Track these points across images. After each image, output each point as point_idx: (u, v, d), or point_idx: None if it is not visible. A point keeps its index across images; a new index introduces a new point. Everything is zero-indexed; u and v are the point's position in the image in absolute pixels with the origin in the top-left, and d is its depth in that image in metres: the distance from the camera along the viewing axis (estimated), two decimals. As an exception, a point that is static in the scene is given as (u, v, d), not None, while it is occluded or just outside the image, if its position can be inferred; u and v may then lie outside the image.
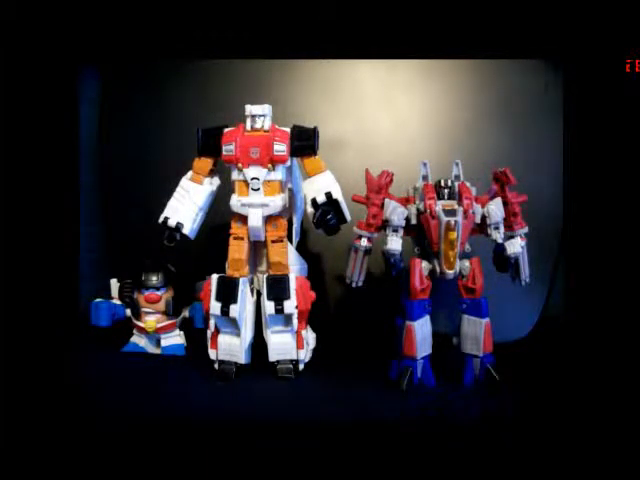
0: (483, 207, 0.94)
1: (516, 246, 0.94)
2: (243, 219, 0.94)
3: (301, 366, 0.97)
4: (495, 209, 0.93)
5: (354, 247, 0.95)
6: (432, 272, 0.94)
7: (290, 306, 0.92)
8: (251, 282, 0.98)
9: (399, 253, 0.92)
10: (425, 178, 0.98)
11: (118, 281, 1.10)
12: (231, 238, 0.95)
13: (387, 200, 0.94)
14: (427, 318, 0.95)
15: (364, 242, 0.94)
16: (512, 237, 0.95)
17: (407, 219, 0.93)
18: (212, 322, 0.94)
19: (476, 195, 0.95)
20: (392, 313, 0.97)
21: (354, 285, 0.96)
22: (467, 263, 0.94)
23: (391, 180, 0.96)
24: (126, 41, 1.21)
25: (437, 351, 0.96)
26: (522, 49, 1.14)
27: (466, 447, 0.74)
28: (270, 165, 0.92)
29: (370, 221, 0.93)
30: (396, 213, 0.92)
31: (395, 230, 0.92)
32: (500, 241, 0.94)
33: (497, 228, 0.94)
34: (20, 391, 0.86)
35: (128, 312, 1.09)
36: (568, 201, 1.22)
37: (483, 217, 0.94)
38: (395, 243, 0.92)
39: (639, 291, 0.97)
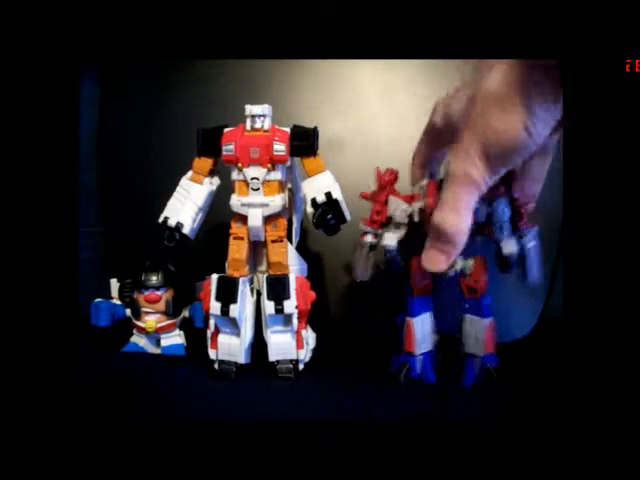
0: (490, 206, 0.93)
1: (512, 246, 0.93)
2: (243, 219, 0.94)
3: (301, 366, 0.98)
4: (501, 208, 0.93)
5: (360, 243, 0.95)
6: None
7: (290, 306, 0.93)
8: (251, 282, 0.98)
9: (395, 249, 0.92)
10: (432, 175, 0.97)
11: (118, 281, 1.10)
12: (231, 238, 0.95)
13: (391, 197, 0.94)
14: (428, 315, 0.95)
15: (369, 238, 0.94)
16: (521, 237, 0.95)
17: (410, 216, 0.93)
18: (212, 322, 0.94)
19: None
20: (392, 313, 0.98)
21: (358, 280, 0.96)
22: (471, 262, 0.94)
23: (396, 177, 0.96)
24: (126, 41, 1.21)
25: (440, 350, 0.96)
26: (522, 49, 1.14)
27: (466, 447, 0.74)
28: (270, 165, 0.92)
29: (374, 217, 0.94)
30: (399, 210, 0.92)
31: (398, 227, 0.93)
32: (501, 241, 0.94)
33: (501, 227, 0.94)
34: (20, 391, 0.86)
35: (128, 312, 1.09)
36: (568, 201, 1.22)
37: (489, 216, 0.94)
38: (390, 239, 0.92)
39: (639, 292, 0.97)
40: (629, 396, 0.82)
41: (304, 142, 0.93)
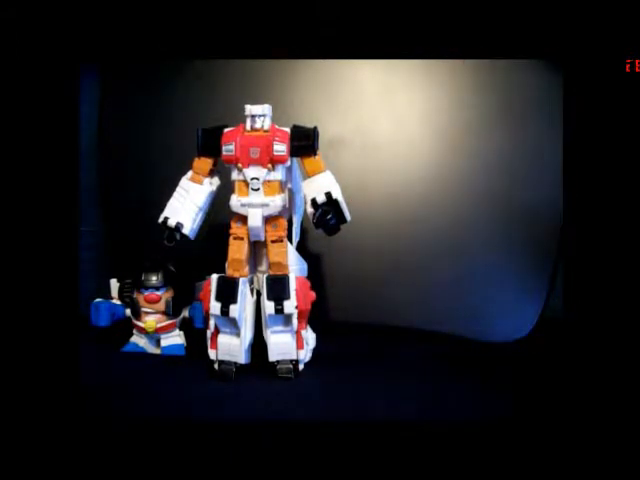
0: None
1: None
2: (243, 219, 0.94)
3: (301, 366, 0.97)
4: None
5: None
6: None
7: (290, 306, 0.92)
8: (251, 282, 0.98)
9: None
10: None
11: (118, 281, 1.10)
12: (231, 238, 0.95)
13: None
14: None
15: None
16: None
17: None
18: (212, 322, 0.94)
19: None
20: (391, 312, 0.98)
21: None
22: None
23: None
24: (126, 41, 1.21)
25: (442, 350, 0.96)
26: (522, 49, 1.14)
27: (466, 447, 0.74)
28: (270, 165, 0.92)
29: None
30: None
31: None
32: None
33: None
34: (19, 391, 0.86)
35: (128, 312, 1.09)
36: (567, 201, 1.22)
37: None
38: None
39: (638, 292, 0.97)
40: (629, 396, 0.82)
41: (304, 142, 0.93)
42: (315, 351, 1.02)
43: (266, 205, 0.93)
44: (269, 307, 0.93)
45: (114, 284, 1.10)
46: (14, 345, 1.03)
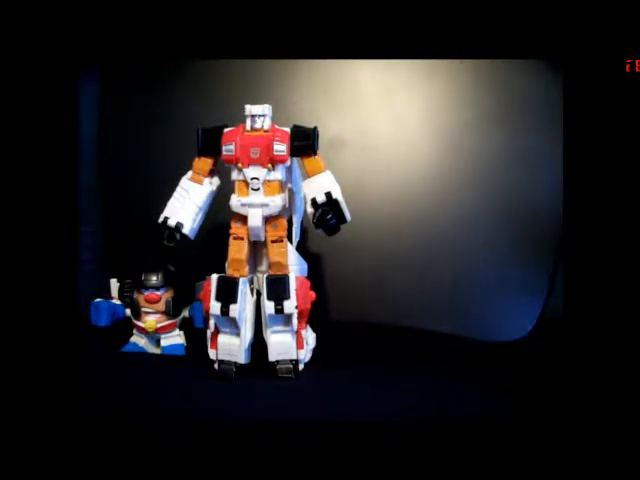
0: None
1: None
2: (243, 219, 0.94)
3: (301, 366, 0.97)
4: None
5: None
6: None
7: (290, 306, 0.92)
8: (251, 282, 0.98)
9: None
10: None
11: (118, 281, 1.10)
12: (231, 238, 0.95)
13: None
14: None
15: None
16: None
17: None
18: (212, 322, 0.94)
19: None
20: (391, 312, 0.97)
21: None
22: None
23: None
24: (126, 41, 1.21)
25: (442, 350, 0.96)
26: (522, 49, 1.14)
27: (466, 447, 0.74)
28: (270, 165, 0.92)
29: None
30: None
31: None
32: None
33: None
34: (19, 391, 0.86)
35: (128, 312, 1.09)
36: (567, 201, 1.22)
37: None
38: None
39: (638, 292, 0.97)
40: (629, 395, 0.82)
41: (304, 142, 0.93)
42: (315, 351, 1.02)
43: (266, 205, 0.92)
44: (269, 307, 0.93)
45: (114, 284, 1.10)
46: (14, 345, 1.03)
